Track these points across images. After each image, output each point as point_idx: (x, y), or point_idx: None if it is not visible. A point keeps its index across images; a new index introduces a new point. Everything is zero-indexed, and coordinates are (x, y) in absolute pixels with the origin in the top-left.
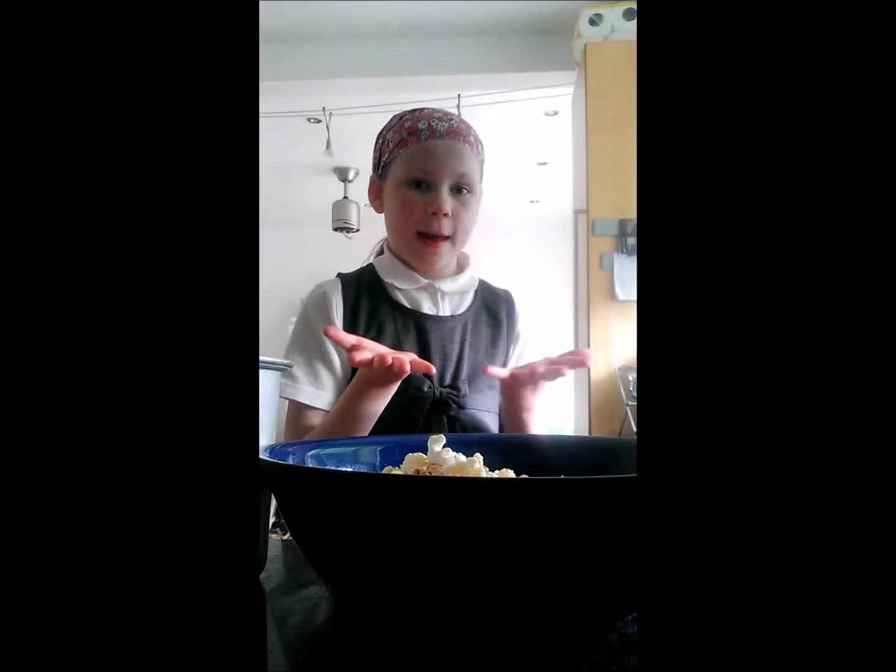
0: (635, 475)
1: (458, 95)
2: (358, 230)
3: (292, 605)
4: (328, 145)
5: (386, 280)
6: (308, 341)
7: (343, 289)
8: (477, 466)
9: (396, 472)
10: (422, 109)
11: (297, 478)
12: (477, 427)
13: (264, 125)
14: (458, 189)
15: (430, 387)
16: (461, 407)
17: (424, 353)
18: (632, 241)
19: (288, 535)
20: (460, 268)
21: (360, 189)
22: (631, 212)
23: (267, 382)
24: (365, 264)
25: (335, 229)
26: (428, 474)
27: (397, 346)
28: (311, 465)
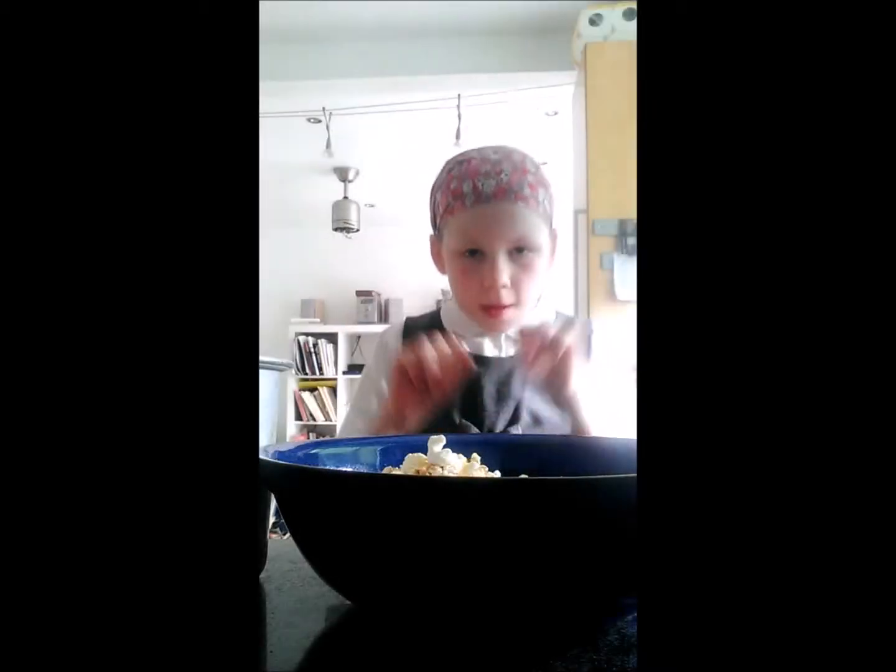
0: (635, 475)
1: (458, 95)
2: (358, 230)
3: (292, 605)
4: (328, 145)
5: (447, 327)
6: (364, 383)
7: (405, 331)
8: (477, 467)
9: (396, 472)
10: (469, 161)
11: (296, 478)
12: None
13: (264, 125)
14: (518, 251)
15: (477, 433)
16: None
17: (473, 397)
18: (632, 241)
19: (288, 535)
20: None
21: (360, 189)
22: (631, 212)
23: (267, 382)
24: (436, 308)
25: (335, 229)
26: (428, 475)
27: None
28: (311, 465)
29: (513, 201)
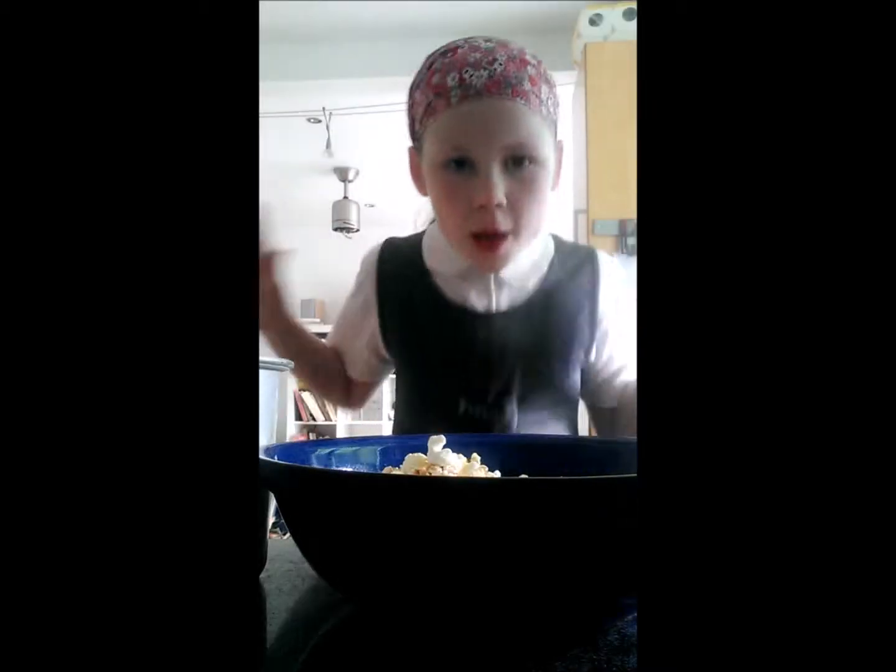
0: (635, 475)
1: None
2: (358, 230)
3: (292, 605)
4: (328, 145)
5: (427, 261)
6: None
7: (379, 261)
8: (477, 467)
9: (396, 472)
10: (455, 50)
11: (296, 478)
12: None
13: (264, 125)
14: (516, 162)
15: (465, 406)
16: (506, 431)
17: (459, 364)
18: (632, 241)
19: (288, 535)
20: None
21: (360, 189)
22: (631, 212)
23: (267, 382)
24: (420, 229)
25: (335, 229)
26: (428, 475)
27: (423, 349)
28: (310, 465)
29: (509, 97)
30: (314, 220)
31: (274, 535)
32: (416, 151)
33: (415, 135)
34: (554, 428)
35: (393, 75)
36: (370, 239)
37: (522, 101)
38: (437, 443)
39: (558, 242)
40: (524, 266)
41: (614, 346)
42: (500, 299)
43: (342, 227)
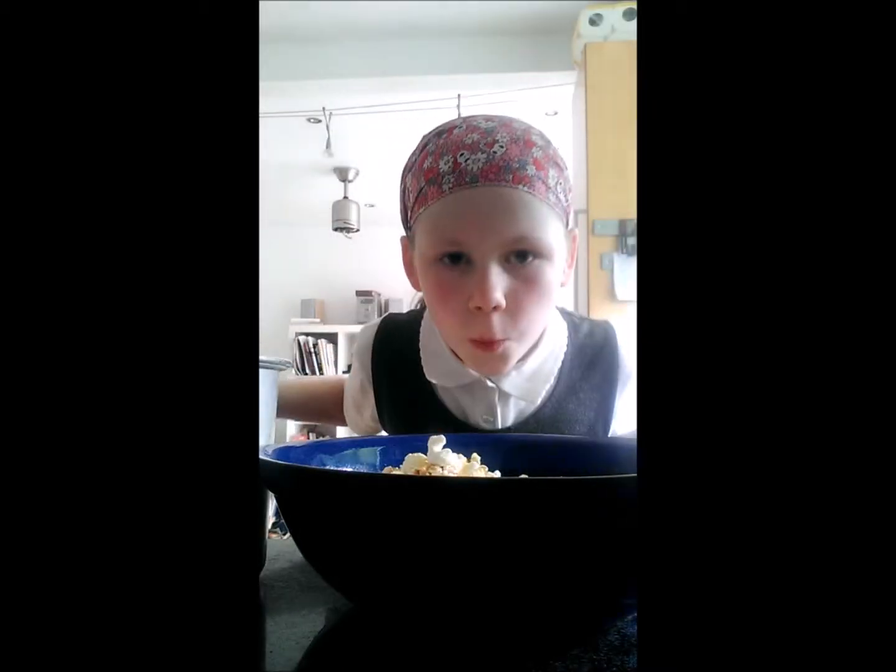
0: (635, 475)
1: (458, 95)
2: (358, 230)
3: (292, 605)
4: (328, 145)
5: (424, 357)
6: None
7: (375, 345)
8: (477, 467)
9: (396, 472)
10: (451, 130)
11: (296, 478)
12: None
13: (264, 125)
14: (519, 256)
15: None
16: None
17: None
18: (632, 241)
19: (288, 535)
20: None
21: (360, 189)
22: (631, 212)
23: (266, 382)
24: (416, 308)
25: (335, 229)
26: (428, 475)
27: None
28: (310, 465)
29: (510, 184)
30: (314, 220)
31: (274, 535)
32: (408, 242)
33: (407, 224)
34: None
35: (393, 75)
36: (370, 239)
37: (525, 189)
38: (437, 443)
39: (571, 328)
40: (530, 377)
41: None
42: (506, 416)
43: (342, 227)
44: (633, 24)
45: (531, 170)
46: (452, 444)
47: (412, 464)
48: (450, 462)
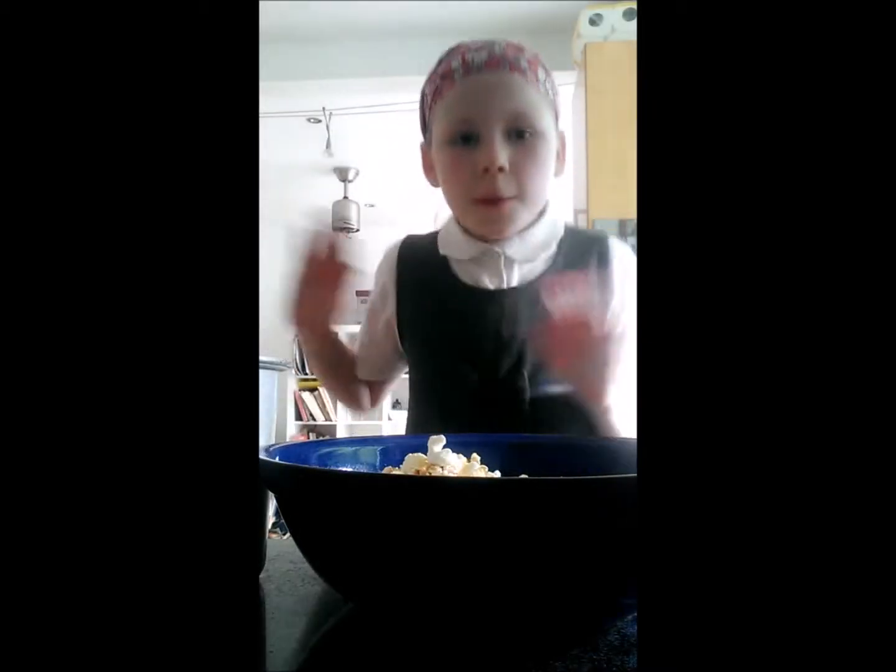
0: (635, 475)
1: None
2: (358, 230)
3: (292, 605)
4: (328, 145)
5: (442, 251)
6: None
7: (399, 251)
8: (477, 467)
9: (396, 472)
10: (459, 45)
11: (296, 478)
12: (546, 427)
13: (264, 125)
14: (518, 134)
15: (477, 382)
16: (519, 406)
17: (473, 339)
18: (632, 240)
19: (288, 535)
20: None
21: (360, 189)
22: (631, 212)
23: (267, 382)
24: (439, 227)
25: (335, 229)
26: (428, 475)
27: (437, 328)
28: (311, 465)
29: (509, 71)
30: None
31: (274, 535)
32: (426, 147)
33: (425, 127)
34: (564, 403)
35: (393, 75)
36: (370, 239)
37: (520, 76)
38: (437, 443)
39: (569, 227)
40: (532, 243)
41: (627, 323)
42: (511, 277)
43: (342, 226)
44: (633, 24)
45: (524, 64)
46: (452, 445)
47: (412, 464)
48: (450, 462)
